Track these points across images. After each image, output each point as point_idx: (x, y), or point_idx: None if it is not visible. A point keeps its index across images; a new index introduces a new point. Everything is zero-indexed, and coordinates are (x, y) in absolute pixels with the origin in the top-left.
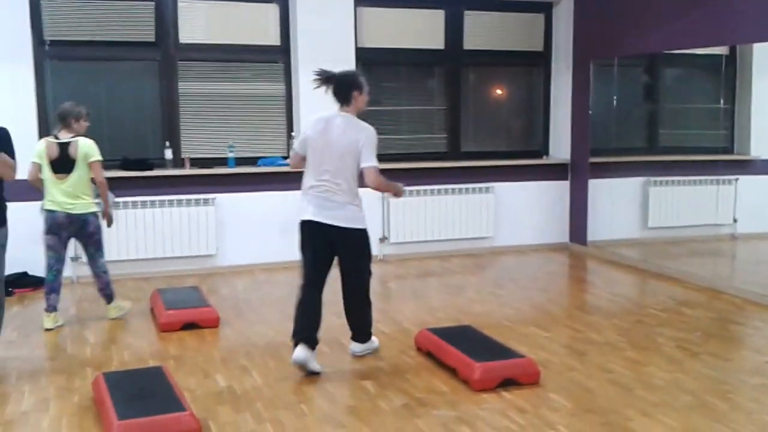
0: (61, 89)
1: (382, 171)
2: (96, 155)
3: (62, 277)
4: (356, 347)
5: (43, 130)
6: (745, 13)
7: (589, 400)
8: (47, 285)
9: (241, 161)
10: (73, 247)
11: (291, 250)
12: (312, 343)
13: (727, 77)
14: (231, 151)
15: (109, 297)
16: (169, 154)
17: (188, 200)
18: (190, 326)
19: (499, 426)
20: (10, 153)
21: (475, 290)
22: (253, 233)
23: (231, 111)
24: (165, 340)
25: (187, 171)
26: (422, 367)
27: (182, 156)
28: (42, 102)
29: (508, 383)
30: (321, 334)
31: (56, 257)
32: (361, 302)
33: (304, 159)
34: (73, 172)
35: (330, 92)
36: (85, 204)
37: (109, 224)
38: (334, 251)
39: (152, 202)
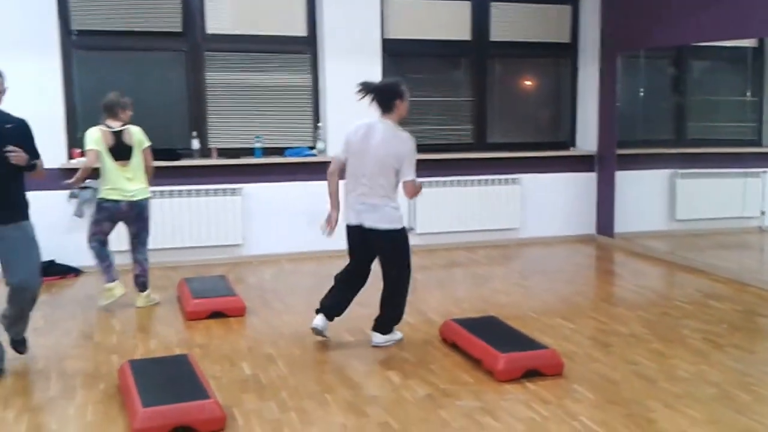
0: (88, 79)
1: None
2: (148, 141)
3: None
4: (377, 338)
5: (70, 120)
6: None
7: (612, 391)
8: (107, 259)
9: (267, 151)
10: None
11: (317, 240)
12: (331, 317)
13: (755, 69)
14: (258, 142)
15: (143, 285)
16: (196, 144)
17: (215, 190)
18: (216, 315)
19: (522, 417)
20: (33, 149)
21: (500, 281)
22: (280, 223)
23: (258, 101)
24: (191, 328)
25: (214, 161)
26: (446, 357)
27: (209, 146)
28: (69, 92)
29: (532, 374)
30: (344, 318)
31: (104, 241)
32: (396, 297)
33: (343, 166)
34: (132, 159)
35: (374, 102)
36: (144, 189)
37: None
38: (373, 251)
39: (179, 192)
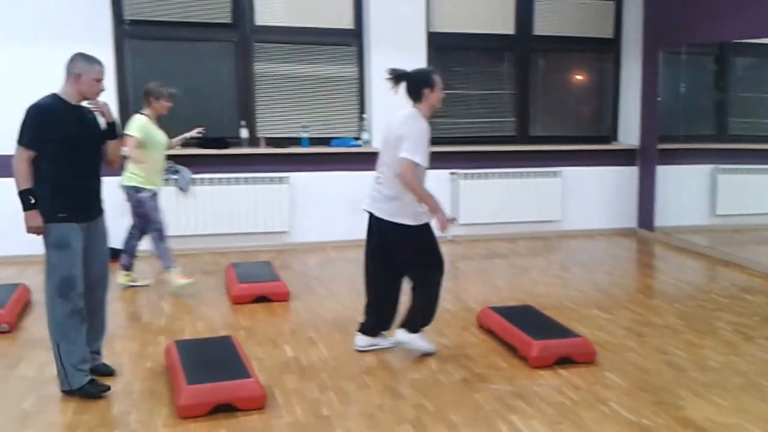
0: (140, 68)
1: (451, 154)
2: (129, 130)
3: None
4: (401, 335)
5: (123, 109)
6: None
7: (643, 379)
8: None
9: (314, 141)
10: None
11: (361, 229)
12: (368, 331)
13: None
14: (305, 131)
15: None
16: (244, 133)
17: (263, 178)
18: (261, 299)
19: (552, 401)
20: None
21: (540, 272)
22: (325, 211)
23: (305, 92)
24: (237, 312)
25: (262, 150)
26: (483, 343)
27: (257, 135)
28: (122, 80)
29: (565, 361)
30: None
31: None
32: (418, 301)
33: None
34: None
35: (403, 90)
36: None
37: None
38: (386, 244)
39: (228, 180)
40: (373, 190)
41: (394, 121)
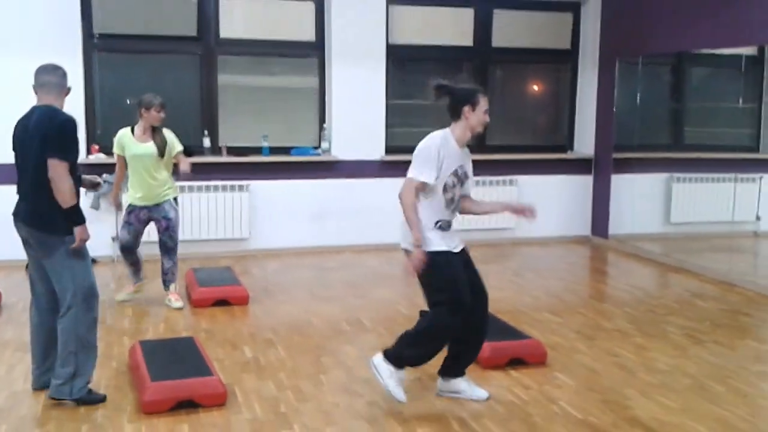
0: (107, 80)
1: (408, 163)
2: (114, 149)
3: None
4: (376, 359)
5: (90, 118)
6: None
7: (592, 380)
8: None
9: (275, 150)
10: (114, 227)
11: (320, 236)
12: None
13: (754, 77)
14: (265, 141)
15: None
16: (207, 142)
17: (224, 186)
18: (221, 303)
19: (503, 400)
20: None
21: (494, 278)
22: (285, 219)
23: (267, 103)
24: (197, 315)
25: (224, 158)
26: None
27: (219, 144)
28: (89, 91)
29: (516, 362)
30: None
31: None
32: (416, 333)
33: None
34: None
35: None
36: None
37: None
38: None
39: (190, 187)
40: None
41: None
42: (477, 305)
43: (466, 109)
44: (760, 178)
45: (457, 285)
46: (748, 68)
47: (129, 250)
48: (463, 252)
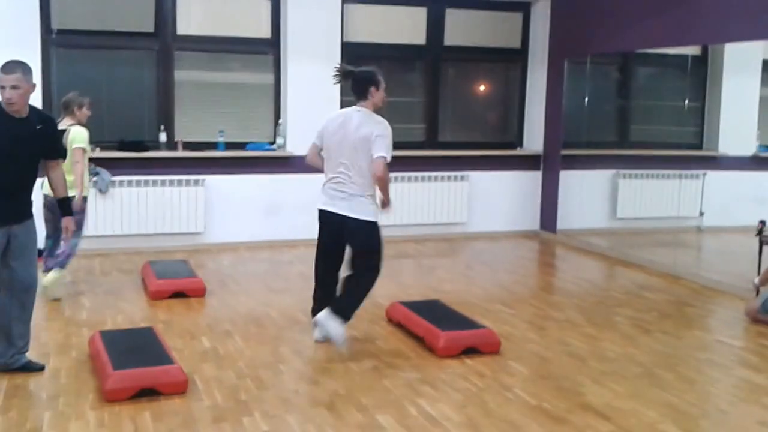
0: (65, 75)
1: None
2: (79, 143)
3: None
4: (321, 315)
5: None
6: (717, 13)
7: (544, 368)
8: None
9: (230, 145)
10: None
11: (274, 230)
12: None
13: (698, 76)
14: (221, 136)
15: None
16: (163, 137)
17: (180, 180)
18: (178, 295)
19: (459, 387)
20: (56, 147)
21: (446, 271)
22: (240, 213)
23: (223, 98)
24: (155, 306)
25: (180, 153)
26: (392, 335)
27: (175, 139)
28: (47, 87)
29: (470, 351)
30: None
31: (49, 233)
32: (353, 287)
33: (320, 152)
34: (67, 158)
35: (349, 87)
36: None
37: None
38: (343, 239)
39: (146, 182)
40: (331, 189)
41: (347, 121)
42: None
43: (372, 89)
44: (704, 175)
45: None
46: (693, 68)
47: None
48: None
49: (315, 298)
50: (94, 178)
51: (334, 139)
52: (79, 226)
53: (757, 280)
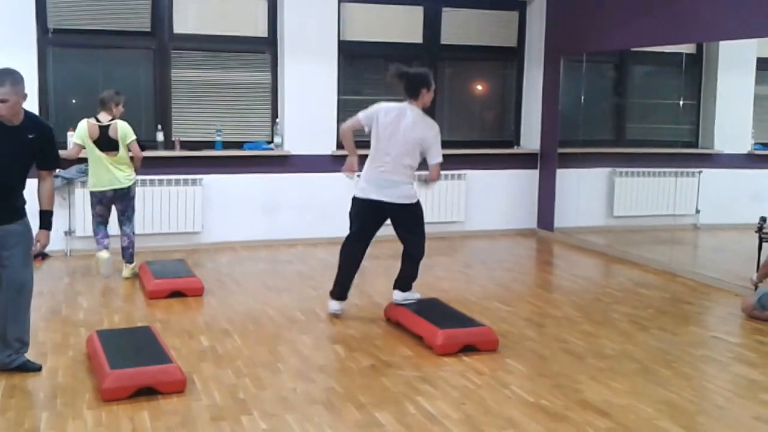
0: (62, 75)
1: (358, 158)
2: (132, 135)
3: None
4: (398, 295)
5: (43, 112)
6: (711, 11)
7: (542, 365)
8: (100, 233)
9: (227, 144)
10: (67, 221)
11: (272, 229)
12: (344, 298)
13: (693, 74)
14: (218, 135)
15: (130, 257)
16: (160, 136)
17: (177, 180)
18: (176, 294)
19: (457, 385)
20: (53, 154)
21: (444, 269)
22: (237, 212)
23: (220, 97)
24: (152, 306)
25: (177, 153)
26: (390, 334)
27: (173, 138)
28: (44, 86)
29: (468, 349)
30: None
31: (102, 222)
32: (414, 260)
33: (359, 129)
34: (120, 150)
35: (402, 87)
36: (127, 176)
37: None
38: (381, 223)
39: (143, 181)
40: (378, 179)
41: (400, 117)
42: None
43: (424, 90)
44: (700, 173)
45: None
46: (688, 66)
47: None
48: None
49: (337, 282)
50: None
51: (386, 131)
52: (134, 210)
53: (755, 276)
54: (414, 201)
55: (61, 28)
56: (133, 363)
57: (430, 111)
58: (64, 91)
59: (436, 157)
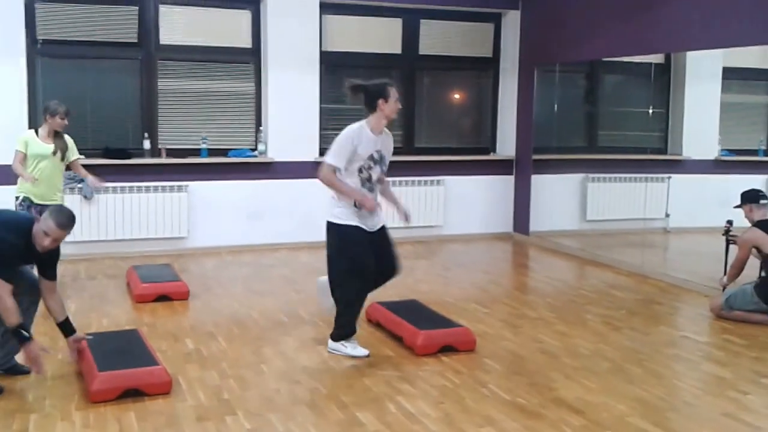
0: (51, 85)
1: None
2: (18, 146)
3: None
4: (330, 345)
5: (32, 121)
6: (679, 23)
7: (518, 364)
8: None
9: (212, 152)
10: None
11: (256, 234)
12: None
13: (662, 83)
14: (204, 143)
15: None
16: (147, 144)
17: (163, 187)
18: (162, 298)
19: (436, 384)
20: None
21: (423, 273)
22: (222, 218)
23: (205, 106)
24: (139, 310)
25: (163, 160)
26: (371, 335)
27: (159, 146)
28: (33, 96)
29: (447, 349)
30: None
31: None
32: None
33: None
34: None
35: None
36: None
37: None
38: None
39: (130, 188)
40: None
41: (381, 138)
42: (379, 278)
43: (381, 101)
44: (669, 178)
45: (361, 256)
46: (657, 75)
47: None
48: (381, 230)
49: (351, 321)
50: (79, 185)
51: (367, 155)
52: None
53: (725, 278)
54: (330, 219)
55: (50, 39)
56: (120, 365)
57: (408, 119)
58: (53, 99)
59: (327, 154)
